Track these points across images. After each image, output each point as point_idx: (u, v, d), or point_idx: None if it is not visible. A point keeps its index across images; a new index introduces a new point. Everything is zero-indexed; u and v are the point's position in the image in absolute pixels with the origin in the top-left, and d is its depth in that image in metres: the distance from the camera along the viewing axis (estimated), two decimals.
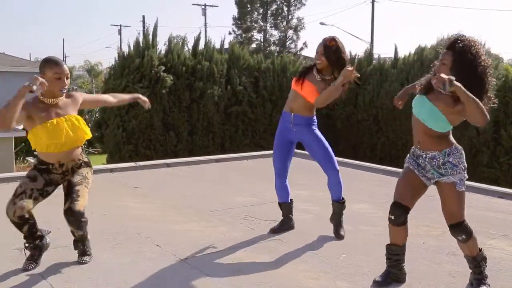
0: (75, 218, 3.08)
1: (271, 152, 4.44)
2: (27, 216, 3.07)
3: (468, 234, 2.91)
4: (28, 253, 3.26)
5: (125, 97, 3.71)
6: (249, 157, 8.15)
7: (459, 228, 2.90)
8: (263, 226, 4.29)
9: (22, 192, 3.06)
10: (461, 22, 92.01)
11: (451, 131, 2.90)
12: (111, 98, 3.54)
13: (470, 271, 3.05)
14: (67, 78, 3.08)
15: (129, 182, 6.05)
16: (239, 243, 3.82)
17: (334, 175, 3.89)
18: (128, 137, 10.87)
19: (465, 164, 2.91)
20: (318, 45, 3.72)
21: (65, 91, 3.11)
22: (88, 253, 3.39)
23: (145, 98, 3.64)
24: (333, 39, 3.71)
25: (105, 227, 4.15)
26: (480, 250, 3.00)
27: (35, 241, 3.24)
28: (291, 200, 4.13)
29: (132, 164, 7.28)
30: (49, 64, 3.05)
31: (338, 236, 3.93)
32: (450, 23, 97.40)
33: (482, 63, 2.66)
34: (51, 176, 3.21)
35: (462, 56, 2.64)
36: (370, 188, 6.06)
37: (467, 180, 2.99)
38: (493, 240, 4.00)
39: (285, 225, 4.10)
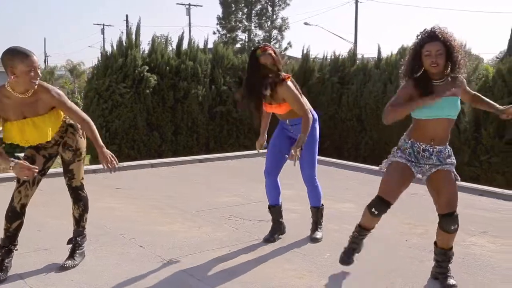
0: (73, 191, 3.28)
1: (256, 151, 4.45)
2: (26, 208, 3.11)
3: (458, 225, 2.98)
4: None
5: (96, 138, 3.21)
6: (234, 157, 8.14)
7: (454, 218, 2.94)
8: (248, 226, 4.30)
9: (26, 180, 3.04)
10: (443, 22, 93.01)
11: None
12: (85, 122, 3.16)
13: (452, 269, 3.10)
14: (38, 69, 2.91)
15: (112, 183, 6.00)
16: (224, 243, 3.82)
17: (312, 190, 3.87)
18: (112, 137, 10.76)
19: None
20: (261, 58, 3.49)
21: (37, 83, 2.92)
22: (74, 256, 3.32)
23: (107, 159, 3.14)
24: (269, 47, 3.56)
25: (87, 229, 4.09)
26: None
27: (10, 246, 3.15)
28: (281, 203, 3.99)
29: None
30: (19, 57, 2.81)
31: (312, 239, 3.87)
32: (432, 24, 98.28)
33: (458, 43, 2.94)
34: (48, 150, 3.20)
35: (450, 42, 2.88)
36: (354, 187, 6.10)
37: None
38: (473, 237, 4.06)
39: (276, 231, 3.94)
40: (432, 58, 2.84)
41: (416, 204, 4.88)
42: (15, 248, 3.19)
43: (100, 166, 7.10)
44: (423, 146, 2.99)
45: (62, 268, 3.22)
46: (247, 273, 3.23)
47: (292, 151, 3.41)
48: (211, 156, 8.32)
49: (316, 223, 3.95)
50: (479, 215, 4.81)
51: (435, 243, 3.13)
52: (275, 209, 3.94)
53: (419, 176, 3.06)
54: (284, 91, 3.53)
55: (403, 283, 3.13)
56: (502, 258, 3.60)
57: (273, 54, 3.50)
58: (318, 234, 3.90)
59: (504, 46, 27.49)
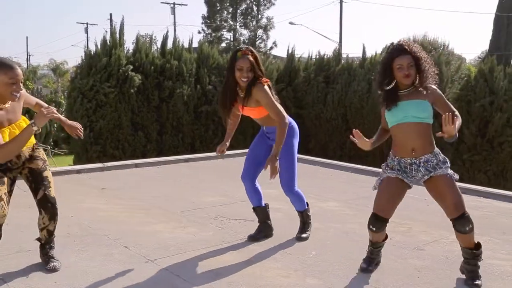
0: (52, 205, 3.17)
1: (241, 151, 4.45)
2: (1, 228, 3.01)
3: (472, 224, 3.01)
4: None
5: (60, 117, 3.24)
6: (219, 157, 8.12)
7: (465, 218, 2.98)
8: (234, 225, 4.29)
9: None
10: (426, 22, 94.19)
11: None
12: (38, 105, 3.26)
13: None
14: (21, 82, 2.90)
15: (97, 183, 5.95)
16: (209, 243, 3.81)
17: (293, 197, 3.80)
18: (96, 137, 10.67)
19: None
20: (239, 61, 3.40)
21: (18, 96, 2.91)
22: (54, 256, 3.30)
23: (77, 126, 3.47)
24: (250, 51, 3.46)
25: (71, 230, 4.07)
26: (477, 242, 3.10)
27: None
28: (266, 204, 3.95)
29: (99, 165, 7.16)
30: (3, 68, 2.82)
31: (298, 238, 3.89)
32: (416, 24, 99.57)
33: (425, 55, 3.06)
34: (13, 173, 3.13)
35: (417, 54, 2.99)
36: (339, 186, 6.14)
37: None
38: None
39: (263, 231, 3.92)
40: (404, 71, 2.97)
41: (400, 203, 4.92)
42: None
43: (85, 166, 7.07)
44: (409, 160, 3.06)
45: (51, 270, 3.18)
46: (233, 273, 3.23)
47: (268, 165, 3.39)
48: (196, 156, 8.30)
49: (304, 224, 3.96)
50: None
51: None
52: (260, 210, 3.92)
53: (409, 182, 3.12)
54: (258, 93, 3.43)
55: (388, 280, 3.16)
56: (484, 255, 3.64)
57: (251, 58, 3.40)
58: (305, 234, 3.92)
59: (486, 46, 27.93)
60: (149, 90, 11.13)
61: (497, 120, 10.24)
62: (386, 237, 3.31)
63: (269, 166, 3.39)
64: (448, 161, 3.10)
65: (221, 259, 3.46)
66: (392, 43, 3.11)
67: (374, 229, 3.14)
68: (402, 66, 2.96)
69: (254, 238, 3.86)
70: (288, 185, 3.70)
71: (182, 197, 5.35)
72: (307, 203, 3.94)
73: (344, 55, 13.54)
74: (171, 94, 11.28)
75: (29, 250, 3.53)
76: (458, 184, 3.17)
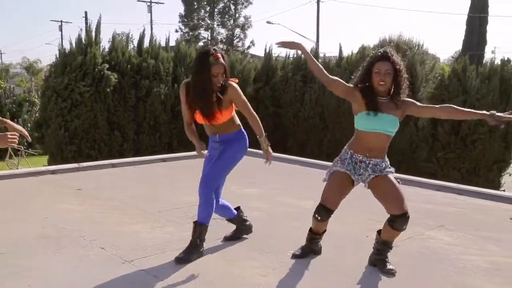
0: None
1: None
2: None
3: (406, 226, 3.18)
4: None
5: (7, 121, 3.16)
6: (198, 156, 8.08)
7: (407, 218, 3.13)
8: (211, 225, 4.27)
9: None
10: (402, 23, 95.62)
11: None
12: None
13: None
14: None
15: (72, 184, 5.86)
16: (187, 243, 3.78)
17: (200, 194, 3.43)
18: (71, 137, 10.49)
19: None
20: (215, 67, 3.24)
21: None
22: None
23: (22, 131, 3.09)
24: (219, 53, 3.30)
25: (46, 231, 4.00)
26: None
27: None
28: (237, 209, 3.84)
29: (75, 165, 7.05)
30: None
31: (179, 259, 3.39)
32: (392, 24, 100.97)
33: (404, 68, 3.19)
34: None
35: (399, 66, 3.12)
36: (317, 184, 6.17)
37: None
38: (431, 231, 4.20)
39: (240, 232, 3.89)
40: (380, 76, 3.07)
41: (377, 200, 4.99)
42: None
43: (60, 167, 6.95)
44: (360, 157, 3.22)
45: (18, 273, 3.13)
46: (211, 273, 3.23)
47: (268, 157, 3.47)
48: (173, 156, 8.24)
49: (195, 238, 3.46)
50: (436, 209, 4.97)
51: (379, 232, 3.34)
52: (235, 219, 3.85)
53: (355, 179, 3.27)
54: (234, 92, 3.39)
55: (363, 277, 3.21)
56: (458, 251, 3.74)
57: (223, 62, 3.28)
58: (187, 255, 3.40)
59: (459, 46, 28.49)
60: (125, 89, 11.01)
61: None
62: (325, 231, 3.50)
63: (269, 157, 3.46)
64: (393, 169, 3.29)
65: (199, 259, 3.45)
66: (378, 49, 3.23)
67: (319, 218, 3.30)
68: (379, 72, 3.08)
69: (229, 238, 3.86)
70: (205, 181, 3.42)
71: (160, 197, 5.31)
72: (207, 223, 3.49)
73: (321, 55, 13.59)
74: (148, 93, 11.18)
75: (3, 252, 3.46)
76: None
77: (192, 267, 3.30)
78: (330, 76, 3.31)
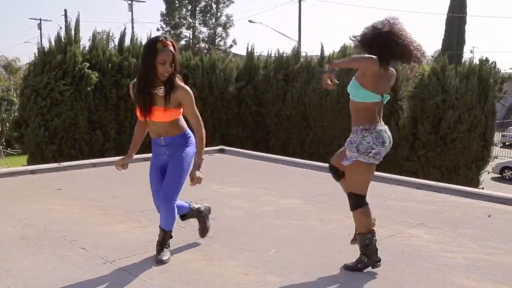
0: None
1: (209, 148, 4.40)
2: None
3: (352, 207, 3.24)
4: None
5: None
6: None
7: (350, 197, 3.23)
8: (194, 224, 4.26)
9: None
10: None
11: (370, 112, 3.13)
12: None
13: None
14: None
15: (52, 184, 5.77)
16: (170, 242, 3.77)
17: (166, 210, 3.32)
18: (51, 136, 10.35)
19: (365, 147, 3.09)
20: (162, 53, 3.07)
21: None
22: None
23: None
24: (170, 41, 3.14)
25: (25, 232, 3.94)
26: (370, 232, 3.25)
27: None
28: (189, 205, 3.64)
29: (55, 165, 6.95)
30: None
31: (158, 261, 3.34)
32: (372, 23, 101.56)
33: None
34: None
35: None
36: (300, 183, 6.21)
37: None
38: (411, 228, 4.25)
39: (204, 223, 3.74)
40: None
41: None
42: None
43: (39, 167, 6.84)
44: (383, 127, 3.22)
45: None
46: (193, 272, 3.22)
47: (192, 175, 3.18)
48: None
49: (162, 245, 3.41)
50: (417, 207, 5.03)
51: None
52: (190, 214, 3.66)
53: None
54: (183, 92, 3.20)
55: (345, 275, 3.23)
56: (438, 248, 3.79)
57: (173, 50, 3.10)
58: (165, 256, 3.38)
59: (438, 46, 28.87)
60: (106, 88, 10.90)
61: (449, 117, 10.62)
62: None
63: (194, 180, 3.17)
64: (355, 144, 3.14)
65: (181, 259, 3.44)
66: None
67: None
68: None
69: (205, 231, 3.73)
70: (167, 194, 3.26)
71: (141, 196, 5.27)
72: (172, 229, 3.45)
73: (303, 54, 13.67)
74: (130, 92, 11.09)
75: None
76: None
77: (173, 267, 3.29)
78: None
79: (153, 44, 3.09)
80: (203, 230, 3.76)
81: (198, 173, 3.19)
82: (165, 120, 3.24)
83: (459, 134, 10.64)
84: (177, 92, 3.18)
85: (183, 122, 3.36)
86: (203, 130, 3.31)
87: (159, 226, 3.42)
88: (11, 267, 3.22)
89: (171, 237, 3.47)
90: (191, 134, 3.39)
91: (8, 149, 13.59)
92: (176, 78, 3.20)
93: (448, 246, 3.85)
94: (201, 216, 3.76)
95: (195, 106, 3.29)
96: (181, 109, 3.29)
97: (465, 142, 10.68)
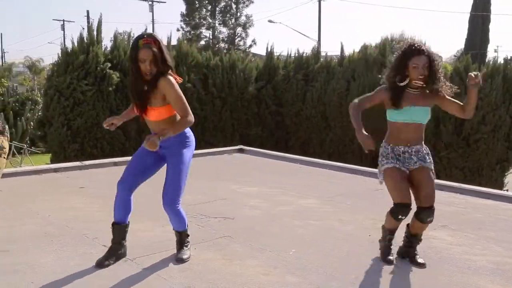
0: None
1: (221, 149, 4.43)
2: None
3: (433, 217, 3.30)
4: None
5: None
6: (199, 155, 8.09)
7: (432, 211, 3.25)
8: (213, 223, 4.29)
9: None
10: (404, 21, 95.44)
11: None
12: None
13: (408, 255, 3.42)
14: None
15: (75, 182, 5.86)
16: (189, 240, 3.79)
17: (173, 215, 3.32)
18: (73, 135, 10.51)
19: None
20: (141, 51, 2.97)
21: None
22: None
23: None
24: (153, 39, 3.04)
25: (49, 229, 4.00)
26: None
27: None
28: (128, 222, 3.42)
29: (77, 163, 7.06)
30: None
31: (178, 260, 3.37)
32: (393, 22, 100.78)
33: (438, 58, 3.30)
34: None
35: (433, 57, 3.22)
36: (318, 183, 6.17)
37: None
38: (433, 230, 4.18)
39: (114, 254, 3.31)
40: (419, 71, 3.16)
41: (380, 200, 4.99)
42: None
43: (62, 165, 6.96)
44: (402, 148, 3.30)
45: (21, 270, 3.13)
46: (213, 271, 3.23)
47: (148, 137, 3.00)
48: None
49: (182, 244, 3.44)
50: (439, 209, 4.92)
51: (408, 226, 3.43)
52: (119, 228, 3.35)
53: (406, 170, 3.33)
54: (165, 85, 3.04)
55: (367, 277, 3.20)
56: (461, 251, 3.73)
57: (154, 49, 2.99)
58: (185, 255, 3.40)
59: (461, 45, 28.43)
60: (127, 88, 11.00)
61: (472, 118, 10.43)
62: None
63: (145, 140, 2.99)
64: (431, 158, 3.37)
65: (201, 258, 3.45)
66: (409, 43, 3.28)
67: (402, 217, 3.27)
68: (417, 66, 3.16)
69: (102, 264, 3.23)
70: (171, 199, 3.23)
71: (160, 195, 5.30)
72: (187, 225, 3.46)
73: (323, 53, 13.60)
74: None
75: (6, 250, 3.46)
76: (436, 180, 3.31)
77: (193, 266, 3.30)
78: (357, 104, 3.30)
79: (135, 42, 3.03)
80: (102, 264, 3.26)
81: (154, 139, 2.96)
82: (158, 119, 3.18)
83: (483, 135, 10.44)
84: (159, 85, 3.06)
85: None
86: (190, 117, 3.11)
87: (173, 229, 3.44)
88: (35, 263, 3.28)
89: (187, 235, 3.48)
90: (190, 133, 3.32)
91: (32, 147, 13.86)
92: (165, 75, 3.06)
93: (471, 248, 3.78)
94: (120, 248, 3.39)
95: (179, 95, 3.09)
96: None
97: (489, 143, 10.47)
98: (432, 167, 3.34)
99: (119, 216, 3.34)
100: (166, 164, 3.33)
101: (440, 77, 3.25)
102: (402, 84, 3.23)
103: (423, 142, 3.36)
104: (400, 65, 3.23)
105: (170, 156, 3.28)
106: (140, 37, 3.02)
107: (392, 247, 3.47)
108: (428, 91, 3.27)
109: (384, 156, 3.35)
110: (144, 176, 3.37)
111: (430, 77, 3.21)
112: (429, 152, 3.37)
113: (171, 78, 3.09)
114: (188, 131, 3.31)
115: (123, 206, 3.35)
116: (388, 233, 3.44)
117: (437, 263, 3.46)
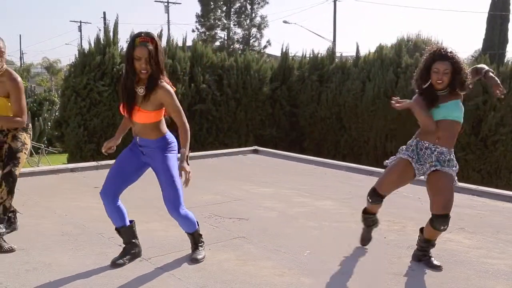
0: (13, 180, 3.55)
1: (236, 150, 4.43)
2: None
3: (448, 225, 3.27)
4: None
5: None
6: (213, 155, 8.12)
7: (447, 219, 3.21)
8: (228, 224, 4.29)
9: None
10: (420, 21, 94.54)
11: None
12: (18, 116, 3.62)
13: (423, 258, 3.40)
14: (4, 54, 3.38)
15: (91, 182, 5.92)
16: (204, 240, 3.80)
17: (180, 219, 3.28)
18: (90, 135, 10.63)
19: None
20: (137, 49, 2.95)
21: None
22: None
23: None
24: (150, 38, 3.00)
25: (66, 228, 4.05)
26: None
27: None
28: (131, 222, 3.42)
29: (93, 163, 7.13)
30: None
31: (192, 260, 3.39)
32: (410, 22, 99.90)
33: (464, 64, 3.30)
34: None
35: (458, 64, 3.22)
36: (334, 184, 6.15)
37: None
38: (450, 233, 4.13)
39: (129, 253, 3.35)
40: (439, 75, 3.18)
41: (396, 201, 4.94)
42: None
43: (79, 165, 7.04)
44: (426, 144, 3.28)
45: (38, 268, 3.18)
46: (228, 272, 3.23)
47: (181, 172, 3.00)
48: (190, 155, 8.20)
49: (196, 244, 3.46)
50: (456, 211, 4.87)
51: (421, 230, 3.42)
52: (124, 230, 3.36)
53: (422, 177, 3.35)
54: (165, 95, 3.06)
55: (382, 279, 3.17)
56: (478, 254, 3.68)
57: (151, 47, 2.97)
58: (200, 255, 3.41)
59: (479, 45, 28.07)
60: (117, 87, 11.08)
61: (490, 119, 10.29)
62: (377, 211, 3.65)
63: (183, 174, 2.99)
64: (457, 166, 3.33)
65: (216, 258, 3.46)
66: (437, 46, 3.32)
67: (370, 201, 3.49)
68: (438, 71, 3.19)
69: (117, 263, 3.27)
70: (174, 204, 3.18)
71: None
72: (197, 222, 3.44)
73: (338, 54, 13.56)
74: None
75: (24, 248, 3.51)
76: None
77: (208, 266, 3.31)
78: (430, 116, 3.30)
79: (133, 39, 3.00)
80: (117, 264, 3.30)
81: (187, 166, 3.00)
82: (145, 122, 3.16)
83: (501, 136, 10.29)
84: (157, 93, 3.05)
85: (163, 127, 3.26)
86: (187, 126, 3.18)
87: (185, 232, 3.44)
88: (52, 262, 3.32)
89: (200, 235, 3.49)
90: (173, 140, 3.29)
91: (50, 147, 14.04)
92: (161, 80, 3.07)
93: (489, 252, 3.73)
94: (132, 245, 3.41)
95: (177, 105, 3.12)
96: (163, 111, 3.18)
97: (508, 145, 10.31)
98: (454, 174, 3.28)
99: (117, 223, 3.36)
100: (155, 174, 3.28)
101: (467, 85, 3.26)
102: (424, 86, 3.28)
103: (452, 147, 3.33)
104: (424, 68, 3.28)
105: (155, 162, 3.24)
106: (138, 35, 3.00)
107: (369, 223, 3.64)
108: (452, 92, 3.29)
109: (406, 146, 3.38)
110: (126, 183, 3.37)
111: (453, 84, 3.23)
112: (454, 159, 3.31)
113: (169, 87, 3.11)
114: (170, 136, 3.28)
115: (115, 214, 3.34)
116: (365, 215, 3.64)
117: (454, 266, 3.42)
